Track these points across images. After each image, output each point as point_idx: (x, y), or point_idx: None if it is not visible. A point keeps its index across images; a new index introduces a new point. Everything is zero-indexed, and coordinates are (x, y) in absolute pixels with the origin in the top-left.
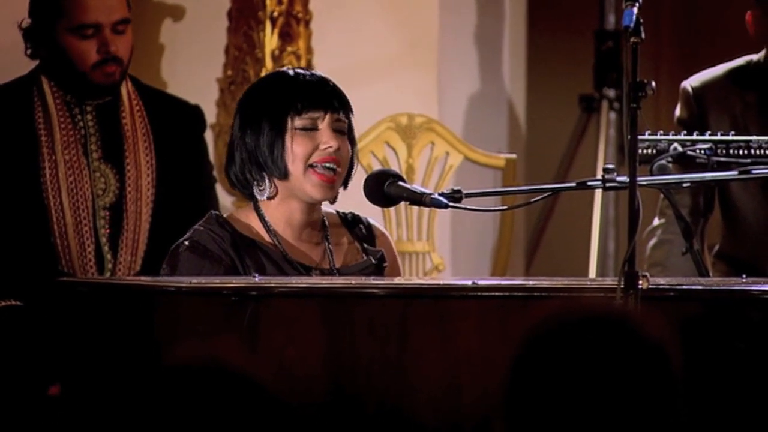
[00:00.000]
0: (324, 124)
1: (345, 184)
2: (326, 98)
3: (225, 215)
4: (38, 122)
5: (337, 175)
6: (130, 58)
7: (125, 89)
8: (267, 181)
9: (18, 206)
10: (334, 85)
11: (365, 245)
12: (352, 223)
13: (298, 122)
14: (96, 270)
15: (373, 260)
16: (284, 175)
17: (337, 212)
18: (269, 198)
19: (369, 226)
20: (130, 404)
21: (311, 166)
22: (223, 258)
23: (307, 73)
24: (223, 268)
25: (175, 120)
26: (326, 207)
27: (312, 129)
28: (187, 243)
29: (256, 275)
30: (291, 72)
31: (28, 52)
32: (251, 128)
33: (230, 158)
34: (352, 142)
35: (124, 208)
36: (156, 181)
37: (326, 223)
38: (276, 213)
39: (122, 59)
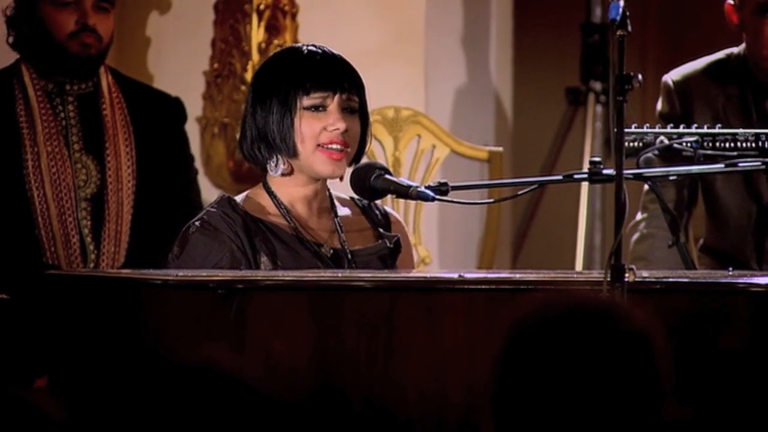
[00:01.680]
0: (333, 104)
1: (357, 162)
2: (336, 78)
3: (238, 196)
4: (19, 114)
5: (345, 153)
6: (110, 41)
7: (105, 81)
8: (278, 158)
9: (1, 199)
10: (346, 64)
11: (381, 230)
12: (367, 208)
13: (307, 101)
14: (81, 261)
15: (388, 244)
16: (293, 153)
17: (352, 198)
18: (282, 175)
19: (385, 213)
20: (117, 396)
21: (319, 145)
22: (232, 240)
23: (319, 51)
24: (231, 251)
25: (155, 112)
26: (341, 193)
27: (320, 108)
28: (198, 224)
29: (243, 268)
30: (304, 49)
31: (10, 40)
32: (261, 105)
33: (243, 134)
34: (364, 120)
35: (106, 199)
36: (137, 172)
37: (335, 202)
38: (285, 190)
39: (101, 35)
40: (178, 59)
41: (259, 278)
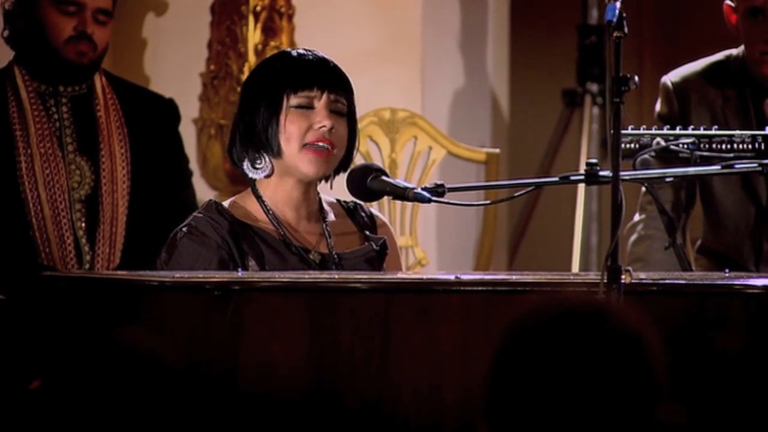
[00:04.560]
0: (320, 103)
1: (345, 167)
2: (324, 78)
3: (225, 202)
4: (12, 116)
5: (332, 154)
6: (104, 51)
7: (99, 82)
8: (264, 158)
9: None
10: (335, 66)
11: (367, 233)
12: (353, 211)
13: (294, 100)
14: (76, 263)
15: (374, 246)
16: (278, 153)
17: (338, 200)
18: (266, 177)
19: (371, 215)
20: (112, 398)
21: (305, 145)
22: (220, 245)
23: (309, 53)
24: (219, 256)
25: (149, 113)
26: (327, 196)
27: (307, 107)
28: (185, 229)
29: (239, 270)
30: (294, 52)
31: (5, 33)
32: (249, 106)
33: (232, 139)
34: (352, 123)
35: (100, 200)
36: (131, 173)
37: (324, 206)
38: (274, 194)
39: (97, 45)
40: (175, 61)
41: (255, 280)
